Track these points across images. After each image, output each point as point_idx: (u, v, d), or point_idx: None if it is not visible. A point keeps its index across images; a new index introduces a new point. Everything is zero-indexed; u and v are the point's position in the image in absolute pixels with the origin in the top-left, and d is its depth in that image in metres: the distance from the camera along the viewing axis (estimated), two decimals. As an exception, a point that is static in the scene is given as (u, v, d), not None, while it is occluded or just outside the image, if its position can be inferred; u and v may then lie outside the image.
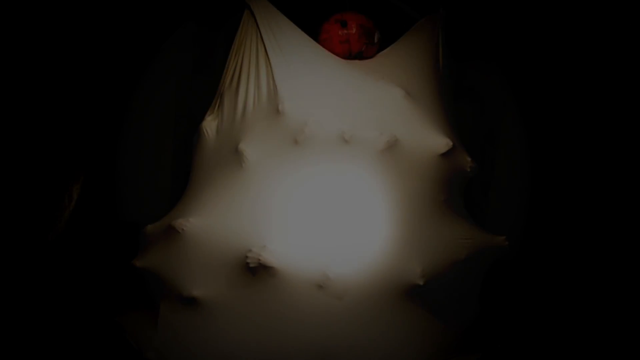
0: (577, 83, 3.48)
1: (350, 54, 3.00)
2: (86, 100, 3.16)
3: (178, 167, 4.25)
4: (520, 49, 3.62)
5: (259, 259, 2.42)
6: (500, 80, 3.85)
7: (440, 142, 2.71)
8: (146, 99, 3.81)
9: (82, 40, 2.98)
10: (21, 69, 2.60)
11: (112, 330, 2.69)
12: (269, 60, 2.77)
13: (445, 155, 2.72)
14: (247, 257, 2.45)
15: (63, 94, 2.93)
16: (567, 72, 3.52)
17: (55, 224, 3.07)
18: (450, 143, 2.72)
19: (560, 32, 3.45)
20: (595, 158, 3.45)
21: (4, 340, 2.49)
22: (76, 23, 2.90)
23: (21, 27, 2.55)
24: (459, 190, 2.97)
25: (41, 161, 2.84)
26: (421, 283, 2.52)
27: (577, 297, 3.32)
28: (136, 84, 3.79)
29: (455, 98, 3.16)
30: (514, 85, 3.76)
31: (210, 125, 2.88)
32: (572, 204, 3.59)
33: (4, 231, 2.68)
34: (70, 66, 2.94)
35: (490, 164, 4.02)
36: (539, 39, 3.53)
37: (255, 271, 2.45)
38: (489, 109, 4.17)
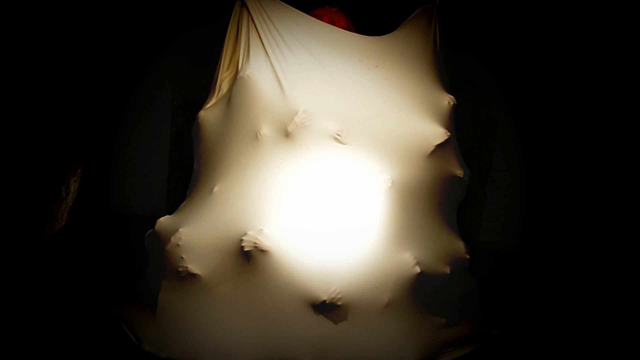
0: (572, 75, 3.48)
1: None
2: (83, 94, 3.15)
3: (177, 157, 4.26)
4: (517, 41, 3.62)
5: (255, 242, 2.40)
6: (497, 72, 3.86)
7: (437, 132, 2.70)
8: (146, 92, 3.83)
9: (80, 33, 2.97)
10: (20, 63, 2.58)
11: (110, 323, 2.68)
12: (263, 44, 2.75)
13: (441, 146, 2.71)
14: (242, 240, 2.43)
15: (61, 87, 2.92)
16: (562, 64, 3.52)
17: (53, 216, 3.06)
18: (448, 133, 2.71)
19: (557, 24, 3.45)
20: (591, 151, 3.45)
21: (4, 332, 2.49)
22: (74, 17, 2.89)
23: (21, 23, 2.54)
24: (455, 200, 2.95)
25: (38, 154, 2.83)
26: (419, 270, 2.52)
27: (575, 287, 3.32)
28: (135, 78, 3.82)
29: (454, 90, 3.13)
30: (511, 77, 3.76)
31: (208, 114, 2.85)
32: (569, 197, 3.60)
33: (1, 223, 2.67)
34: (68, 60, 2.93)
35: (487, 155, 4.04)
36: (536, 31, 3.53)
37: (250, 255, 2.43)
38: (486, 101, 4.18)
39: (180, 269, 2.51)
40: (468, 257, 2.83)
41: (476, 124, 4.29)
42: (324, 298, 2.40)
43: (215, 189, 2.63)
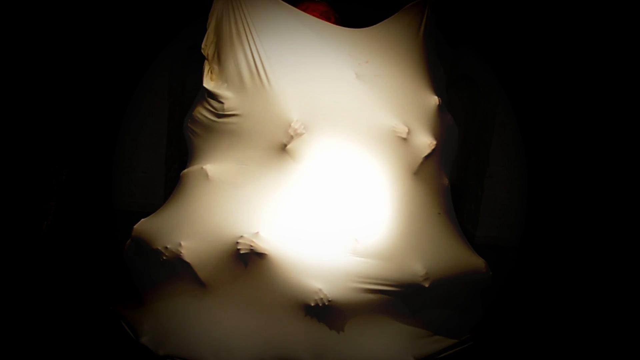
0: (572, 68, 3.47)
1: None
2: (80, 91, 3.15)
3: (174, 153, 4.26)
4: (516, 34, 3.61)
5: (251, 245, 2.39)
6: (494, 66, 3.85)
7: (424, 142, 2.66)
8: (143, 89, 3.82)
9: (79, 30, 2.97)
10: (20, 61, 2.58)
11: (108, 318, 2.69)
12: (245, 44, 2.70)
13: (428, 157, 2.66)
14: (238, 242, 2.42)
15: (58, 83, 2.92)
16: (561, 57, 3.51)
17: (50, 212, 3.07)
18: (434, 142, 2.66)
19: (555, 16, 3.44)
20: (591, 143, 3.44)
21: (2, 329, 2.50)
22: (73, 15, 2.89)
23: (22, 20, 2.53)
24: (451, 209, 2.90)
25: (36, 150, 2.83)
26: (426, 285, 2.49)
27: (578, 283, 3.32)
28: (135, 76, 3.81)
29: (451, 85, 3.10)
30: (509, 71, 3.75)
31: (201, 112, 2.83)
32: (570, 192, 3.59)
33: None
34: (68, 57, 2.93)
35: (485, 150, 4.03)
36: (535, 24, 3.52)
37: (246, 258, 2.42)
38: (484, 95, 4.17)
39: (175, 251, 2.50)
40: (491, 273, 2.72)
41: (474, 119, 4.28)
42: (313, 299, 2.40)
43: (210, 186, 2.63)
